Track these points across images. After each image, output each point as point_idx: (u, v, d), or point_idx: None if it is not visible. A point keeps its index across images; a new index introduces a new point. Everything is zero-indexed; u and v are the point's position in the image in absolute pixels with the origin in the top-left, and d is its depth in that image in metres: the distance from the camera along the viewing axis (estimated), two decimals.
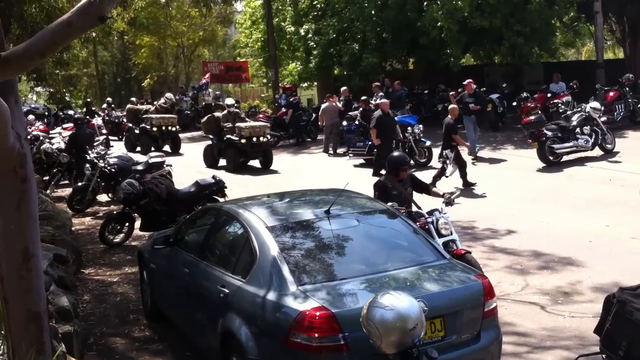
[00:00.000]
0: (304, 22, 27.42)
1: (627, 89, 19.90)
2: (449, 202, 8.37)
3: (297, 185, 14.91)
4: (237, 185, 14.61)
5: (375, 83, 22.12)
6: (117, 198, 11.80)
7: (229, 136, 18.21)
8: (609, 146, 16.25)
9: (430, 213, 8.17)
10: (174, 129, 22.53)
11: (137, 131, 22.70)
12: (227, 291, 5.63)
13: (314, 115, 23.41)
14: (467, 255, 7.56)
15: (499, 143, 19.35)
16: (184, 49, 43.09)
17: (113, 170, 13.54)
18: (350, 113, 20.40)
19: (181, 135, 24.01)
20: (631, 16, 25.05)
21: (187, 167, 18.45)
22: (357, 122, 18.94)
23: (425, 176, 13.69)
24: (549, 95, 21.08)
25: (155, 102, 25.76)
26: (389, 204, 7.17)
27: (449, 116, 14.40)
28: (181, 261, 6.78)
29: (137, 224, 11.47)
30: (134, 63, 45.04)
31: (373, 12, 24.50)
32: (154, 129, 21.87)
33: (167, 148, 22.32)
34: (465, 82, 17.96)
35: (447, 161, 13.92)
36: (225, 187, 11.37)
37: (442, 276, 5.54)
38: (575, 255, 9.09)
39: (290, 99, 24.03)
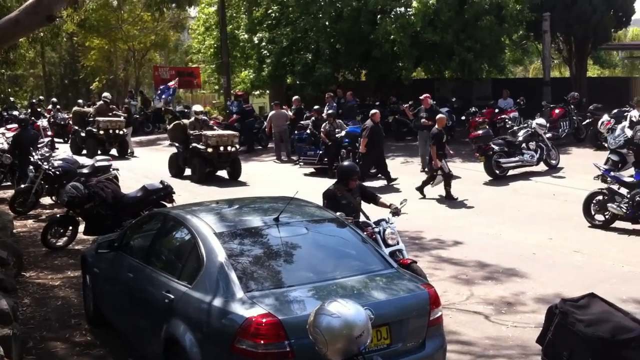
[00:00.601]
0: (257, 30, 27.38)
1: (572, 107, 20.47)
2: (396, 213, 8.43)
3: (247, 192, 14.84)
4: (185, 192, 14.45)
5: (328, 93, 22.21)
6: (61, 201, 11.53)
7: (195, 144, 17.18)
8: (553, 162, 16.67)
9: (378, 223, 8.23)
10: (121, 132, 21.94)
11: (83, 134, 22.20)
12: (172, 297, 5.55)
13: (265, 123, 23.37)
14: (413, 265, 7.64)
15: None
16: (134, 53, 42.48)
17: (57, 172, 13.23)
18: (302, 122, 20.44)
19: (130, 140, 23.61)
20: (578, 36, 25.78)
21: (135, 171, 18.16)
22: (308, 131, 18.97)
23: (376, 187, 13.79)
24: (496, 110, 21.54)
25: (93, 105, 25.29)
26: (338, 213, 7.19)
27: (437, 125, 14.57)
28: (126, 266, 6.65)
29: (81, 227, 11.23)
30: (83, 65, 44.21)
31: (327, 23, 24.67)
32: (101, 132, 21.36)
33: (114, 152, 21.92)
34: (422, 97, 17.93)
35: (440, 171, 14.13)
36: (173, 193, 11.23)
37: (389, 285, 5.57)
38: (519, 267, 9.28)
39: (244, 106, 23.95)
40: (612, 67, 43.83)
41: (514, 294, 8.28)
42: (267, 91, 31.78)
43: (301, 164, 18.70)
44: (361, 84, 29.11)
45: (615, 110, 18.21)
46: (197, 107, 19.63)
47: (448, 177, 14.19)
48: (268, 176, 18.14)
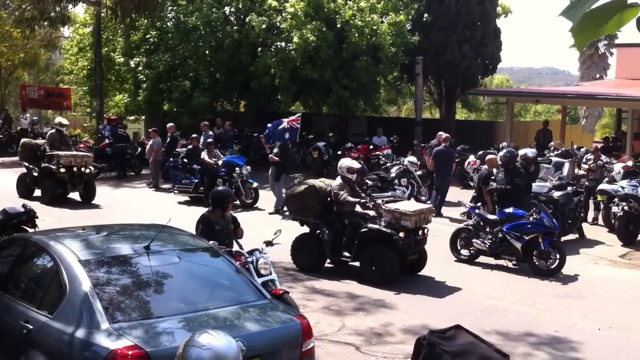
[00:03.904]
0: (135, 54, 26.76)
1: None
2: (270, 243, 8.43)
3: (119, 219, 14.30)
4: (49, 217, 13.72)
5: (203, 122, 21.94)
6: None
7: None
8: (423, 198, 17.30)
9: (251, 252, 8.16)
10: (87, 170, 16.90)
11: (35, 173, 17.07)
12: (31, 327, 5.23)
13: (139, 148, 22.75)
14: (285, 296, 7.60)
15: None
16: (1, 70, 40.28)
17: None
18: (177, 149, 20.05)
19: None
20: (448, 81, 27.20)
21: None
22: (184, 160, 18.52)
23: (250, 216, 13.71)
24: (371, 147, 22.18)
25: None
26: (211, 242, 7.07)
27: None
28: None
29: None
30: None
31: (207, 52, 24.55)
32: (62, 169, 16.40)
33: (76, 195, 17.33)
34: None
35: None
36: (36, 217, 10.62)
37: (262, 316, 5.52)
38: (388, 299, 9.52)
39: (119, 131, 23.18)
40: (479, 111, 46.47)
41: (383, 325, 8.44)
42: (143, 117, 31.04)
43: (175, 191, 18.31)
44: (239, 114, 29.10)
45: (480, 152, 19.25)
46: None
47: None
48: (140, 203, 17.60)
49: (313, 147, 22.59)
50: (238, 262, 7.16)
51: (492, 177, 12.69)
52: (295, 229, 12.89)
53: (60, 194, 16.79)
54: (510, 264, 11.57)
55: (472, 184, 16.85)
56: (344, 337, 7.99)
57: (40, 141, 18.31)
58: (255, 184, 16.98)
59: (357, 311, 9.02)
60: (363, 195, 11.66)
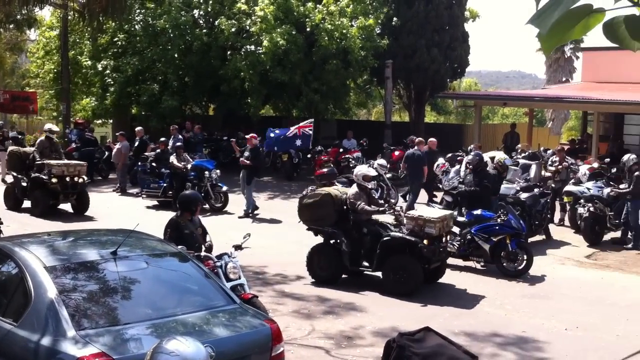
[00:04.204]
0: (102, 57, 26.47)
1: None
2: (239, 247, 8.39)
3: (85, 224, 14.15)
4: (15, 222, 13.50)
5: (173, 126, 21.77)
6: None
7: None
8: (392, 201, 17.29)
9: (220, 257, 8.11)
10: (80, 179, 16.00)
11: (24, 183, 16.24)
12: None
13: (106, 153, 22.51)
14: (254, 300, 7.56)
15: (292, 192, 19.89)
16: None
17: None
18: (146, 153, 19.87)
19: None
20: (417, 84, 27.40)
21: None
22: (153, 164, 18.37)
23: (220, 220, 13.64)
24: (341, 150, 22.23)
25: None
26: (180, 246, 7.02)
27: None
28: None
29: None
30: None
31: (176, 55, 24.40)
32: (54, 179, 15.50)
33: (68, 207, 16.56)
34: (248, 136, 17.52)
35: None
36: (1, 223, 10.44)
37: (232, 321, 5.49)
38: (358, 302, 9.53)
39: (86, 135, 22.93)
40: (447, 114, 46.86)
41: (353, 328, 8.46)
42: (110, 120, 30.74)
43: (144, 196, 18.14)
44: (209, 118, 28.96)
45: (449, 155, 19.38)
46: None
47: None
48: (107, 207, 17.40)
49: (262, 159, 22.41)
50: (207, 267, 7.12)
51: (460, 180, 12.82)
52: (265, 233, 12.88)
53: (51, 205, 16.02)
54: (478, 266, 11.67)
55: (440, 186, 16.94)
56: (314, 340, 7.99)
57: (29, 149, 17.34)
58: (224, 188, 16.91)
59: (327, 314, 9.02)
60: (381, 202, 11.30)
